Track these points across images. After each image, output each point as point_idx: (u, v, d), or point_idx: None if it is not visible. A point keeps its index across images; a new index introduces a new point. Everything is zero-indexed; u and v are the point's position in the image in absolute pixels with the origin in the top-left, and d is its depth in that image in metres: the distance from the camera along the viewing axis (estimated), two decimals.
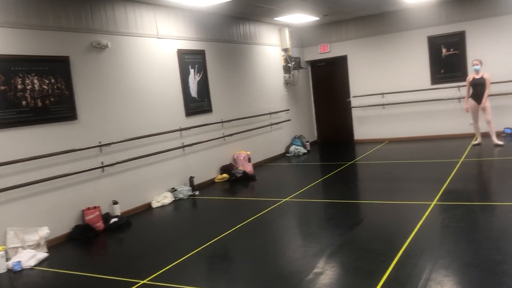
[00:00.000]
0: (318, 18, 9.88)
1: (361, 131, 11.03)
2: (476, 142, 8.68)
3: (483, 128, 8.67)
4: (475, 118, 8.60)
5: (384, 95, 10.58)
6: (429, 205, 5.07)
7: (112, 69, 6.08)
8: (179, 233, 5.23)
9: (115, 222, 5.57)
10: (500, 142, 8.27)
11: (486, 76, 8.27)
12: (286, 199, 6.10)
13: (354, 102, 11.01)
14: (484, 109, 8.31)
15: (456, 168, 6.84)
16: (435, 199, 5.27)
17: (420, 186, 6.27)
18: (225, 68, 8.39)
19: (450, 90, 9.89)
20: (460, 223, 4.42)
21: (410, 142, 10.11)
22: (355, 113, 11.06)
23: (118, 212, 5.85)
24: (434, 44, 9.95)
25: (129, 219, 5.79)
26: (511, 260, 3.43)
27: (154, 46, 6.81)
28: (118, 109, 6.13)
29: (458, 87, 9.77)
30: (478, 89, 8.30)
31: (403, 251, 3.81)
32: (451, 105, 9.93)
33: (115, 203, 5.86)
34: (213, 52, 8.08)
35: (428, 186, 6.14)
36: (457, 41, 9.73)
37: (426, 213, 4.79)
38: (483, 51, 9.38)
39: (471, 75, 8.44)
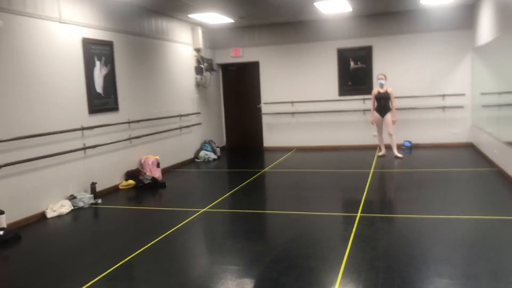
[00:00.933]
0: (233, 21, 9.57)
1: (270, 138, 10.94)
2: (380, 153, 9.01)
3: (385, 140, 9.07)
4: (380, 130, 8.93)
5: (294, 103, 10.60)
6: (354, 217, 4.98)
7: (3, 53, 5.10)
8: (78, 249, 4.46)
9: (0, 236, 4.63)
10: (400, 155, 8.66)
11: (389, 90, 8.62)
12: (203, 210, 5.63)
13: (264, 109, 10.88)
14: (394, 123, 8.66)
15: (369, 179, 6.94)
16: (359, 211, 5.20)
17: (341, 196, 6.22)
18: (135, 63, 7.67)
19: (356, 102, 10.22)
20: (389, 236, 4.35)
21: (318, 151, 10.23)
22: (265, 120, 10.93)
23: (3, 224, 4.89)
24: (343, 56, 10.22)
25: (18, 232, 4.87)
26: None
27: (56, 31, 5.91)
28: (7, 101, 5.16)
29: (364, 99, 10.13)
30: (382, 103, 8.63)
31: (344, 268, 3.59)
32: (356, 117, 10.26)
33: (1, 213, 4.89)
34: (123, 45, 7.32)
35: (348, 196, 6.11)
36: (364, 55, 10.09)
37: (355, 226, 4.66)
38: (388, 66, 9.83)
39: (376, 89, 8.74)
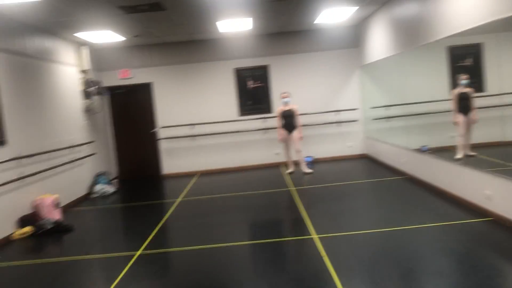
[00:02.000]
0: (125, 38, 8.77)
1: (170, 164, 10.22)
2: (290, 170, 9.01)
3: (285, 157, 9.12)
4: (287, 147, 8.96)
5: (194, 126, 10.11)
6: (311, 239, 4.73)
7: None
8: None
9: None
10: (309, 170, 8.78)
11: (295, 108, 8.73)
12: (139, 253, 4.84)
13: (161, 133, 10.15)
14: (301, 139, 8.77)
15: (296, 196, 6.81)
16: (315, 234, 4.97)
17: (282, 217, 5.93)
18: (23, 88, 6.46)
19: (256, 121, 10.14)
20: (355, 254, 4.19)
21: (224, 173, 9.86)
22: (163, 145, 10.20)
23: None
24: (241, 76, 10.10)
25: None
26: None
27: None
28: None
29: (264, 118, 10.11)
30: (288, 120, 8.68)
31: None
32: (258, 136, 10.17)
33: None
34: (7, 67, 6.11)
35: (290, 216, 5.86)
36: (262, 74, 10.10)
37: (321, 248, 4.41)
38: (285, 85, 9.98)
39: (281, 107, 8.77)
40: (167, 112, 10.11)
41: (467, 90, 6.83)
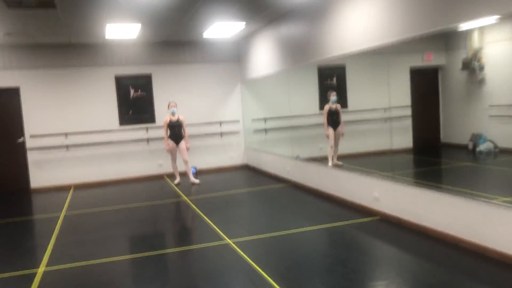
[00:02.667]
0: None
1: (40, 177, 9.25)
2: (176, 181, 8.93)
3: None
4: (174, 158, 8.87)
5: (68, 135, 9.36)
6: (228, 244, 4.82)
7: None
8: None
9: None
10: (197, 181, 8.82)
11: (182, 118, 8.74)
12: (42, 270, 4.36)
13: (30, 143, 9.16)
14: (188, 150, 8.77)
15: (193, 205, 6.82)
16: (229, 239, 5.07)
17: (190, 226, 5.87)
18: None
19: (139, 132, 9.84)
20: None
21: (102, 186, 9.31)
22: (31, 156, 9.19)
23: None
24: (123, 84, 9.71)
25: None
26: None
27: None
28: None
29: (147, 128, 9.86)
30: (176, 130, 8.63)
31: None
32: (140, 147, 9.86)
33: None
34: None
35: (197, 224, 5.84)
36: (145, 83, 9.86)
37: (240, 251, 4.52)
38: (168, 95, 9.90)
39: (167, 117, 8.63)
40: (37, 120, 9.18)
41: (336, 106, 7.71)
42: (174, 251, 4.81)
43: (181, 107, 9.86)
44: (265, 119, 9.96)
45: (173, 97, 9.88)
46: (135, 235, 5.61)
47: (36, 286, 4.00)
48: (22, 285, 4.05)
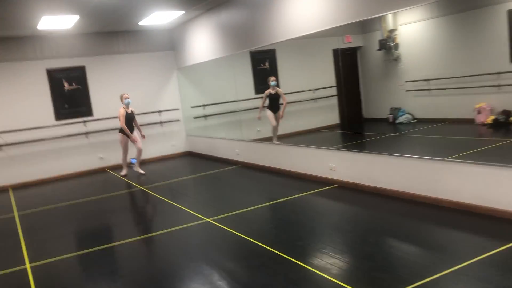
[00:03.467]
0: None
1: None
2: (123, 173, 8.86)
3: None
4: (126, 151, 8.65)
5: (1, 134, 8.83)
6: (208, 221, 5.09)
7: None
8: None
9: None
10: (142, 171, 8.80)
11: (133, 110, 8.43)
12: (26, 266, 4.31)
13: None
14: (144, 138, 8.64)
15: (153, 193, 6.93)
16: (206, 218, 5.33)
17: (163, 210, 6.00)
18: None
19: (76, 126, 9.55)
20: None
21: (44, 185, 8.96)
22: None
23: None
24: (55, 77, 9.33)
25: None
26: None
27: None
28: None
29: (84, 121, 9.61)
30: (131, 122, 8.36)
31: None
32: (79, 141, 9.59)
33: None
34: None
35: (167, 208, 5.99)
36: (78, 76, 9.56)
37: (221, 226, 4.83)
38: (105, 87, 9.72)
39: (122, 109, 8.22)
40: None
41: (276, 90, 8.10)
42: (162, 233, 4.98)
43: (118, 98, 9.72)
44: (204, 106, 10.18)
45: (109, 89, 9.72)
46: (112, 224, 5.66)
47: (34, 279, 3.99)
48: (20, 280, 4.02)
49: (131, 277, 3.86)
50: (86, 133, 9.63)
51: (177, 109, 10.65)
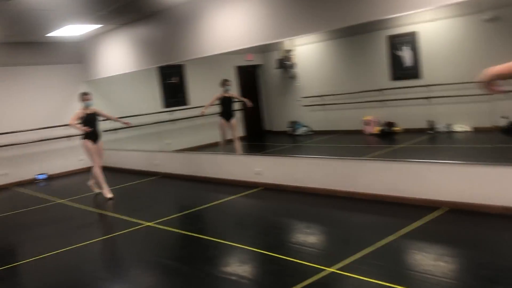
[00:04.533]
0: None
1: None
2: (108, 195, 7.18)
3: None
4: (96, 162, 7.20)
5: None
6: (147, 225, 5.37)
7: None
8: None
9: None
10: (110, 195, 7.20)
11: (97, 110, 7.27)
12: None
13: None
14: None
15: (81, 206, 6.90)
16: (147, 222, 5.58)
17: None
18: None
19: None
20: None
21: None
22: None
23: None
24: None
25: None
26: None
27: None
28: None
29: None
30: (93, 125, 7.15)
31: None
32: None
33: None
34: None
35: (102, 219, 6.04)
36: None
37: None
38: (6, 99, 9.32)
39: (81, 110, 7.09)
40: None
41: (230, 94, 7.70)
42: (115, 235, 5.13)
43: (22, 111, 9.35)
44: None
45: (10, 101, 9.29)
46: (59, 232, 5.60)
47: (30, 274, 3.96)
48: (17, 277, 4.02)
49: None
50: None
51: None
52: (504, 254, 3.53)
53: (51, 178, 9.71)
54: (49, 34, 8.70)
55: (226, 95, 7.66)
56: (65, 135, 10.14)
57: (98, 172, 7.11)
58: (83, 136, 7.03)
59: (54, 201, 7.48)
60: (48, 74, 9.90)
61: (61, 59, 10.06)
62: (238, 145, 7.64)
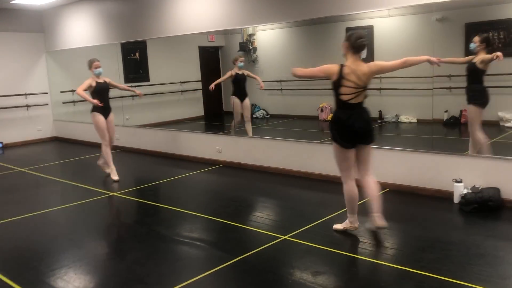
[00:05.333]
0: None
1: None
2: (114, 177, 6.47)
3: None
4: (105, 138, 6.45)
5: None
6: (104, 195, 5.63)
7: None
8: None
9: None
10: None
11: (108, 80, 6.50)
12: None
13: None
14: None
15: (37, 173, 7.01)
16: (111, 192, 5.83)
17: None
18: None
19: None
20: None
21: None
22: None
23: None
24: None
25: None
26: None
27: None
28: None
29: None
30: (105, 97, 6.39)
31: None
32: None
33: None
34: None
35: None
36: None
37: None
38: None
39: (92, 80, 6.30)
40: None
41: (243, 72, 7.32)
42: (80, 203, 5.36)
43: None
44: (72, 91, 10.17)
45: None
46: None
47: None
48: None
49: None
50: None
51: (45, 93, 10.40)
52: (433, 228, 4.12)
53: (6, 147, 9.64)
54: (13, 1, 8.56)
55: (239, 72, 7.29)
56: (24, 105, 10.04)
57: (107, 151, 6.44)
58: (93, 108, 6.28)
59: (14, 169, 7.52)
60: (9, 41, 9.71)
61: (23, 27, 9.88)
62: (249, 126, 7.27)
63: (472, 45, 5.06)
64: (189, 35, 7.39)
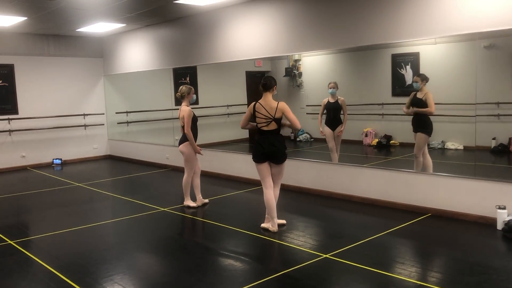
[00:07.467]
0: None
1: None
2: (192, 204, 6.17)
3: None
4: (191, 170, 6.15)
5: None
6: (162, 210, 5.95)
7: None
8: None
9: None
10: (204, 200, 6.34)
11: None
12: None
13: None
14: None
15: (94, 188, 7.49)
16: (165, 207, 6.16)
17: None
18: None
19: (1, 123, 9.55)
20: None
21: None
22: None
23: None
24: None
25: None
26: None
27: None
28: None
29: (9, 119, 9.63)
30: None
31: None
32: (1, 139, 9.57)
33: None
34: None
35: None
36: (6, 73, 9.58)
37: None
38: (31, 86, 9.89)
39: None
40: None
41: (337, 100, 7.03)
42: (132, 217, 5.73)
43: (44, 98, 9.95)
44: (127, 112, 10.80)
45: (35, 89, 9.90)
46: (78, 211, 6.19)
47: (41, 247, 4.52)
48: (30, 248, 4.53)
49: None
50: (10, 131, 9.64)
51: (102, 114, 11.08)
52: (475, 253, 4.14)
53: (65, 163, 10.30)
54: (78, 30, 9.30)
55: (332, 100, 6.98)
56: (82, 124, 10.74)
57: (187, 181, 6.04)
58: (181, 139, 5.90)
59: (73, 184, 8.06)
60: (71, 65, 10.49)
61: (84, 52, 10.66)
62: (335, 155, 7.03)
63: None
64: (237, 60, 7.75)
